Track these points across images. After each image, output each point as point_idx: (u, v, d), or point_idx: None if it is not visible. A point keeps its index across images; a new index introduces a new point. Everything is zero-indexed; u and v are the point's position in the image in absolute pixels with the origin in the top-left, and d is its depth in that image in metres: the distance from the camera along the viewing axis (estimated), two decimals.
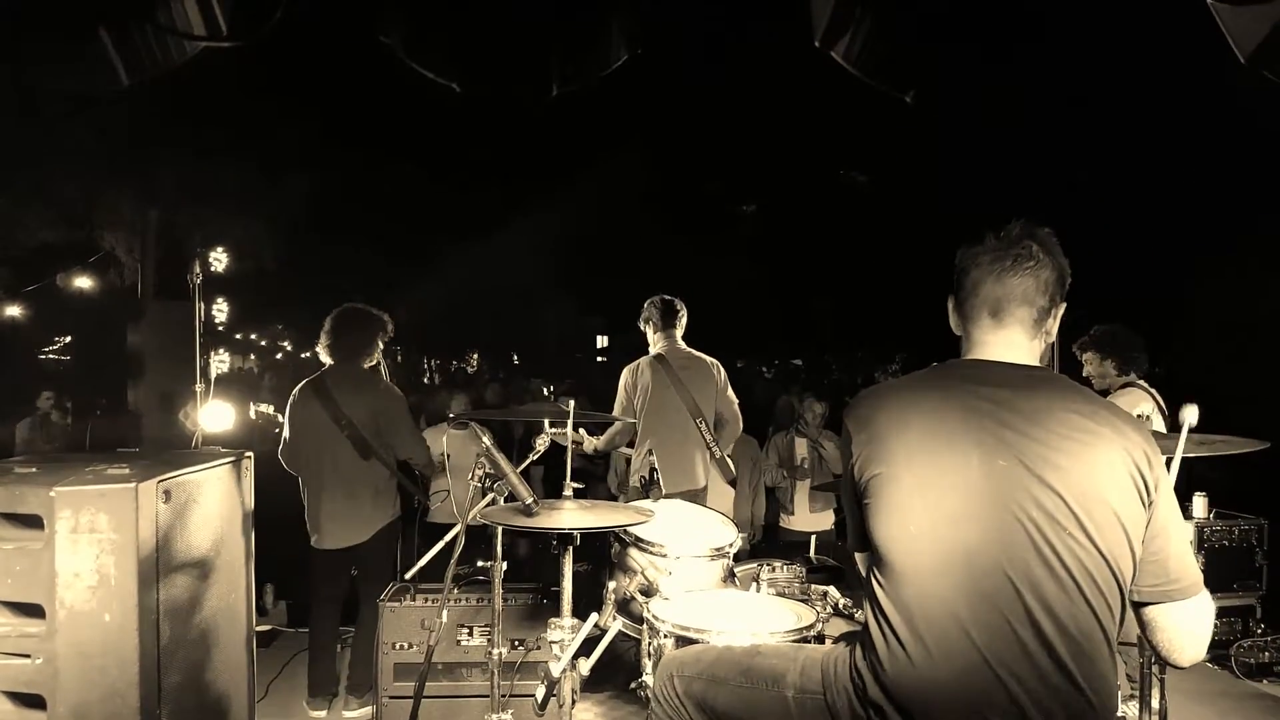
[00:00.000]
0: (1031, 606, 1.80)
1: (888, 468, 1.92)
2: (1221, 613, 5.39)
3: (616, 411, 5.21)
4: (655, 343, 5.29)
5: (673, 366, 5.15)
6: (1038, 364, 2.04)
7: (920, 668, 1.83)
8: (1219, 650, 5.28)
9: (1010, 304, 2.00)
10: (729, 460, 5.32)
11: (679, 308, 5.30)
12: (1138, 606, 1.95)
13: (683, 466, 5.07)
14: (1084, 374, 4.98)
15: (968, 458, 1.87)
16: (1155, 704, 3.18)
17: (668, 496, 4.47)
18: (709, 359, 5.29)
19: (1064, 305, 2.05)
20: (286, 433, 4.60)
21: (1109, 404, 1.98)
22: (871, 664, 1.90)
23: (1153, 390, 4.83)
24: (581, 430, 5.28)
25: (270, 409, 5.98)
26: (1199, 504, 5.46)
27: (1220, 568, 5.37)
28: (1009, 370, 1.99)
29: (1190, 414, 2.61)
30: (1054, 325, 2.04)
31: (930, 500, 1.87)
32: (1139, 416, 2.30)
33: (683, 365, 5.19)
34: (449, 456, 3.82)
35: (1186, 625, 1.94)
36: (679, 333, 5.29)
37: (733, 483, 5.56)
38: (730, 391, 5.30)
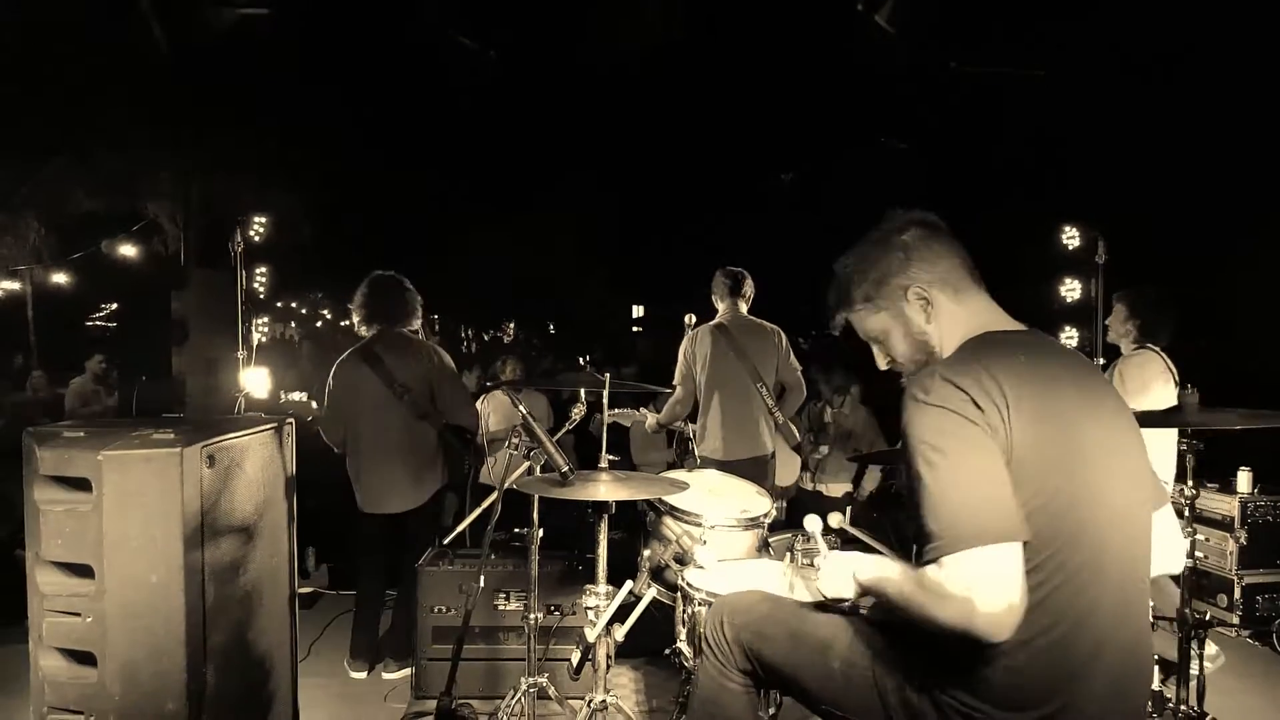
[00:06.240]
0: (1126, 575, 1.79)
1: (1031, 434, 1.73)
2: (1265, 589, 5.30)
3: (676, 380, 5.24)
4: (720, 312, 5.32)
5: (733, 333, 5.17)
6: None
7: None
8: (1261, 627, 5.21)
9: (967, 263, 2.03)
10: (793, 426, 5.32)
11: (745, 278, 5.32)
12: None
13: (747, 432, 5.11)
14: (1105, 321, 4.85)
15: (1077, 426, 1.80)
16: (1193, 680, 3.15)
17: (731, 463, 4.55)
18: (771, 325, 5.30)
19: None
20: (329, 402, 4.54)
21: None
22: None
23: (1166, 358, 4.56)
24: (643, 409, 5.34)
25: (303, 396, 5.99)
26: (1243, 479, 5.36)
27: (1265, 543, 5.29)
28: (1039, 338, 1.98)
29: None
30: None
31: (1057, 470, 1.75)
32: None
33: (743, 331, 5.20)
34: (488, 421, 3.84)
35: None
36: (744, 303, 5.31)
37: (798, 448, 5.59)
38: (793, 359, 5.31)
